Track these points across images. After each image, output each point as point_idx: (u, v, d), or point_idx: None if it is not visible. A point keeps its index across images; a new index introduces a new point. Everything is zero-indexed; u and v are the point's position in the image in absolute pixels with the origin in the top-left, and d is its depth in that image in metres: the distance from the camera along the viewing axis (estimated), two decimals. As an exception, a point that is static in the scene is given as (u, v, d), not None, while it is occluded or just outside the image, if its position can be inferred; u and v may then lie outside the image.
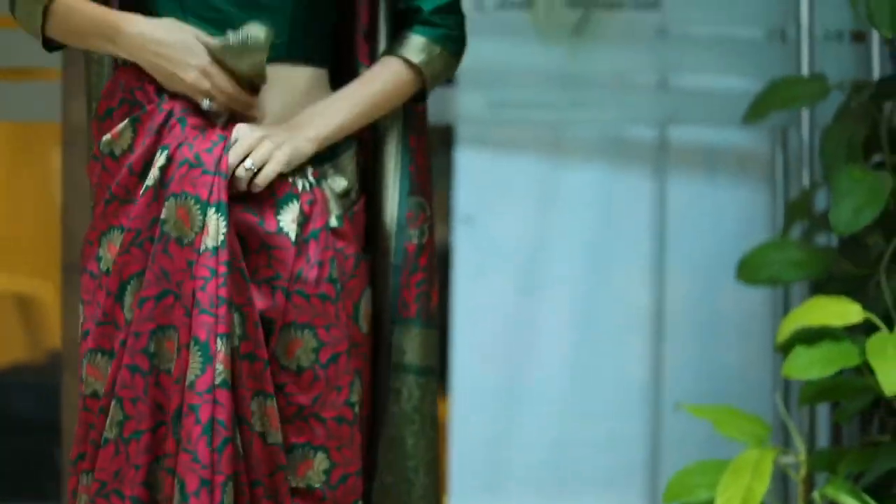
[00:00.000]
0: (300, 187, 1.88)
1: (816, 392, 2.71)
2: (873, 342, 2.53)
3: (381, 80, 2.01)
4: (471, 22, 3.20)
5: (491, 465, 3.43)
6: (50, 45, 1.96)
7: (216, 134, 1.85)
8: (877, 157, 2.88)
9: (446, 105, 3.31)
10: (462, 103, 3.34)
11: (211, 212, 1.80)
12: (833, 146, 2.84)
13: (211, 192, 1.81)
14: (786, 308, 3.23)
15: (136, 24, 1.89)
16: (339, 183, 1.98)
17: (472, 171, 3.39)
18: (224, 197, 1.81)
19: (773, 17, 3.35)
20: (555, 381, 3.42)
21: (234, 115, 1.91)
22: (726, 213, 3.42)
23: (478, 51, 3.09)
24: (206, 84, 1.86)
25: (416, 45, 2.03)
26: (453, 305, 3.42)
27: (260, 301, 1.85)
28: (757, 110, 2.98)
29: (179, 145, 1.83)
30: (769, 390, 3.18)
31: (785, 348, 2.69)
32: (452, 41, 2.12)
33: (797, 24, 3.27)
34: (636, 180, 3.45)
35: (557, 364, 3.42)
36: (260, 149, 1.86)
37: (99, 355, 1.86)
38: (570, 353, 3.42)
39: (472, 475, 3.49)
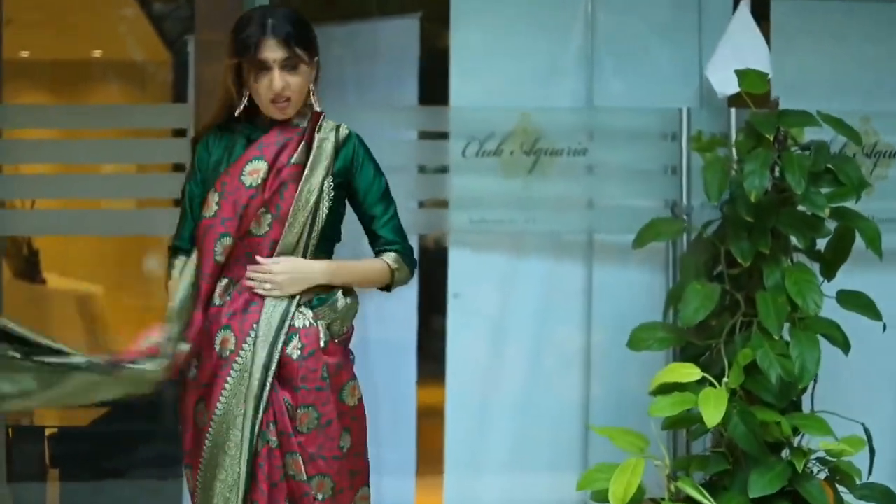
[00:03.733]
0: (298, 325, 2.86)
1: (671, 423, 3.58)
2: (703, 394, 3.40)
3: (374, 269, 2.95)
4: (457, 165, 4.13)
5: (474, 447, 4.18)
6: None
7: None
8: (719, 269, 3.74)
9: (442, 220, 4.15)
10: (452, 219, 4.13)
11: None
12: (687, 266, 3.75)
13: None
14: (673, 355, 3.94)
15: None
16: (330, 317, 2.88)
17: (459, 264, 4.14)
18: None
19: (666, 157, 4.17)
20: (517, 399, 4.22)
21: None
22: (634, 289, 4.19)
23: (463, 184, 4.13)
24: None
25: (393, 258, 2.96)
26: (448, 348, 4.17)
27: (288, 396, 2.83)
28: (639, 240, 3.81)
29: None
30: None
31: (654, 394, 3.53)
32: (411, 262, 3.00)
33: (681, 162, 4.11)
34: (571, 268, 4.22)
35: (518, 389, 4.23)
36: None
37: None
38: (527, 380, 4.22)
39: (460, 455, 4.17)
